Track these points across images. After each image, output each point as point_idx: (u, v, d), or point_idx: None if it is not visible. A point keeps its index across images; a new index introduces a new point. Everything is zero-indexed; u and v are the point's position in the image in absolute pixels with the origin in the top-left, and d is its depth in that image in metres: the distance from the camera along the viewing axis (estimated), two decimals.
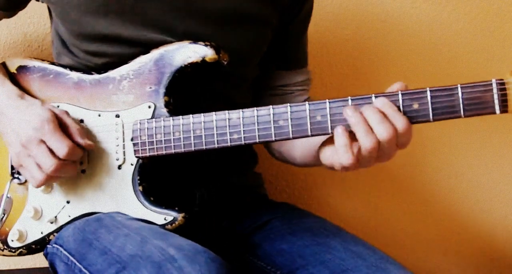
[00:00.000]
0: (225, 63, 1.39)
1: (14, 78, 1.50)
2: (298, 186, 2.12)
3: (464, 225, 2.19)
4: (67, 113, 1.41)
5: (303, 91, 1.68)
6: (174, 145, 1.36)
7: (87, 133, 1.42)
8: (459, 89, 1.19)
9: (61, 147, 1.35)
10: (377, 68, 2.09)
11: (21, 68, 1.50)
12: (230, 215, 1.59)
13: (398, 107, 1.22)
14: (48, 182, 1.40)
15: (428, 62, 2.09)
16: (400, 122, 1.21)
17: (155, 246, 1.23)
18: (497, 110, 1.18)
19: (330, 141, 1.30)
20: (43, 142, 1.36)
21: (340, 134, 1.24)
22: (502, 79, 1.18)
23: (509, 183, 2.18)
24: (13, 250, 1.48)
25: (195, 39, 1.41)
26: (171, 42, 1.42)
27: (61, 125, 1.38)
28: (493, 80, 1.18)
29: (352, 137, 1.24)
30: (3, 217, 1.48)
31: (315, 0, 1.66)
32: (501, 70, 1.22)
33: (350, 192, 2.15)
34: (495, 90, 1.18)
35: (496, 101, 1.18)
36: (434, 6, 2.07)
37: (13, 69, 1.51)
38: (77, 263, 1.34)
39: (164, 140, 1.37)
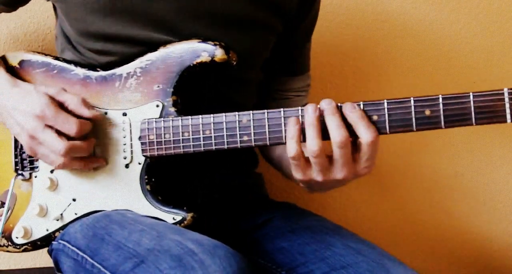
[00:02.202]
0: (234, 63, 1.39)
1: (15, 72, 1.48)
2: (298, 186, 2.08)
3: (464, 225, 2.19)
4: (63, 89, 1.39)
5: (301, 97, 1.70)
6: (183, 145, 1.36)
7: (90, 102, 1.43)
8: (471, 97, 1.20)
9: (70, 126, 1.34)
10: (377, 68, 2.10)
11: (24, 62, 1.49)
12: (231, 214, 1.59)
13: (410, 113, 1.24)
14: (69, 164, 1.39)
15: (428, 62, 2.10)
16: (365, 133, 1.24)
17: (173, 241, 1.24)
18: (508, 119, 1.20)
19: None
20: (48, 126, 1.35)
21: (291, 125, 1.27)
22: None
23: (509, 183, 2.18)
24: (18, 247, 1.48)
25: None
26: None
27: (61, 105, 1.37)
28: (505, 89, 1.19)
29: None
30: (7, 213, 1.47)
31: None
32: (501, 70, 1.23)
33: (350, 192, 2.15)
34: (506, 99, 1.19)
35: (508, 110, 1.19)
36: (434, 6, 2.08)
37: (15, 63, 1.49)
38: (88, 258, 1.34)
39: (173, 140, 1.37)
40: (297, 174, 1.31)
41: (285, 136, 1.28)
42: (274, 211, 1.60)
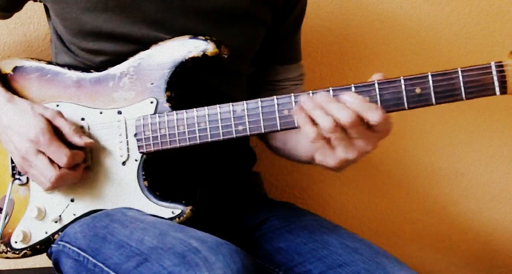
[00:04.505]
0: (226, 57, 1.40)
1: (9, 79, 1.49)
2: (298, 186, 2.12)
3: (464, 224, 2.19)
4: (59, 113, 1.41)
5: (297, 86, 1.70)
6: (179, 139, 1.37)
7: (84, 131, 1.43)
8: (460, 72, 1.23)
9: (60, 157, 1.36)
10: (377, 68, 2.08)
11: (18, 69, 1.50)
12: (229, 213, 1.60)
13: (401, 92, 1.25)
14: (57, 188, 1.41)
15: (428, 62, 2.09)
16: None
17: (175, 238, 1.24)
18: (497, 92, 1.23)
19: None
20: (41, 152, 1.37)
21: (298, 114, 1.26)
22: (500, 62, 1.23)
23: (509, 183, 2.18)
24: (17, 252, 1.48)
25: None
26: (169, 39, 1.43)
27: (56, 130, 1.39)
28: (492, 63, 1.23)
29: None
30: (5, 219, 1.47)
31: (315, 0, 1.66)
32: None
33: (350, 192, 2.15)
34: (494, 72, 1.22)
35: (496, 83, 1.22)
36: (434, 6, 2.08)
37: (8, 70, 1.50)
38: (90, 258, 1.34)
39: (169, 134, 1.38)
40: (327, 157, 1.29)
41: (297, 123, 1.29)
42: (273, 210, 1.60)
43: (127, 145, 1.42)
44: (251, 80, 1.66)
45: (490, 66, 1.22)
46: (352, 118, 1.20)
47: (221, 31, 1.46)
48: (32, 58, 1.51)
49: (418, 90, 1.24)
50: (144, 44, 1.43)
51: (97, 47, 1.46)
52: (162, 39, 1.43)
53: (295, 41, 1.71)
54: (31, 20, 1.90)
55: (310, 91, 1.29)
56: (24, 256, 1.48)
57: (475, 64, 2.07)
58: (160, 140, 1.39)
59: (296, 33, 1.70)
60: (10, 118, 1.40)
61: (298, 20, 1.68)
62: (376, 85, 1.26)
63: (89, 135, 1.43)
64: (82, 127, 1.43)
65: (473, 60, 2.06)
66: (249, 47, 1.57)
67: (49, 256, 1.49)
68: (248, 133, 1.33)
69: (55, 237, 1.46)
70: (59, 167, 1.37)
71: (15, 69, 1.50)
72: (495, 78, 1.22)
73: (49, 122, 1.39)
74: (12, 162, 1.48)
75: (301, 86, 1.71)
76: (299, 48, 1.73)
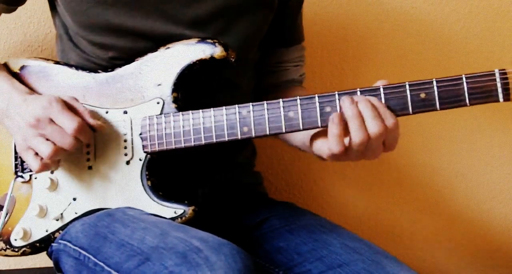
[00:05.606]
0: (233, 60, 1.41)
1: (17, 78, 1.49)
2: (297, 186, 2.12)
3: (464, 224, 2.19)
4: (75, 99, 1.41)
5: (298, 67, 1.72)
6: (184, 139, 1.38)
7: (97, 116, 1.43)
8: (464, 79, 1.26)
9: (70, 123, 1.34)
10: (377, 68, 2.10)
11: (25, 68, 1.50)
12: (230, 212, 1.60)
13: (405, 97, 1.28)
14: (52, 164, 1.39)
15: (428, 62, 2.10)
16: (390, 119, 1.28)
17: (177, 238, 1.24)
18: (501, 99, 1.25)
19: (323, 132, 1.34)
20: (52, 120, 1.35)
21: (335, 123, 1.28)
22: (504, 69, 1.25)
23: (509, 183, 2.18)
24: (16, 249, 1.47)
25: (202, 28, 1.44)
26: (177, 33, 1.44)
27: (71, 109, 1.38)
28: (496, 70, 1.25)
29: (345, 127, 1.29)
30: (6, 216, 1.47)
31: (315, 0, 1.66)
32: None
33: (350, 192, 2.15)
34: (498, 80, 1.25)
35: (500, 90, 1.25)
36: (434, 6, 2.08)
37: (16, 68, 1.50)
38: (91, 257, 1.34)
39: (174, 133, 1.38)
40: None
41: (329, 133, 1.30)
42: (272, 210, 1.60)
43: (132, 144, 1.42)
44: (256, 66, 1.67)
45: (494, 74, 1.25)
46: (382, 130, 1.28)
47: (232, 20, 1.48)
48: (40, 58, 1.52)
49: (422, 95, 1.27)
50: (152, 38, 1.44)
51: (105, 41, 1.46)
52: (171, 33, 1.44)
53: (298, 21, 1.72)
54: (31, 20, 1.90)
55: (316, 95, 1.32)
56: (23, 254, 1.48)
57: (475, 64, 2.08)
58: (165, 139, 1.39)
59: (299, 13, 1.71)
60: (26, 103, 1.39)
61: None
62: (382, 90, 1.29)
63: (94, 134, 1.43)
64: None
65: (473, 60, 2.09)
66: (258, 33, 1.58)
67: (49, 255, 1.49)
68: (253, 135, 1.34)
69: (55, 235, 1.46)
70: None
71: (22, 68, 1.50)
72: (499, 85, 1.24)
73: (65, 102, 1.38)
74: (16, 159, 1.49)
75: (302, 67, 1.73)
76: (302, 29, 1.74)
